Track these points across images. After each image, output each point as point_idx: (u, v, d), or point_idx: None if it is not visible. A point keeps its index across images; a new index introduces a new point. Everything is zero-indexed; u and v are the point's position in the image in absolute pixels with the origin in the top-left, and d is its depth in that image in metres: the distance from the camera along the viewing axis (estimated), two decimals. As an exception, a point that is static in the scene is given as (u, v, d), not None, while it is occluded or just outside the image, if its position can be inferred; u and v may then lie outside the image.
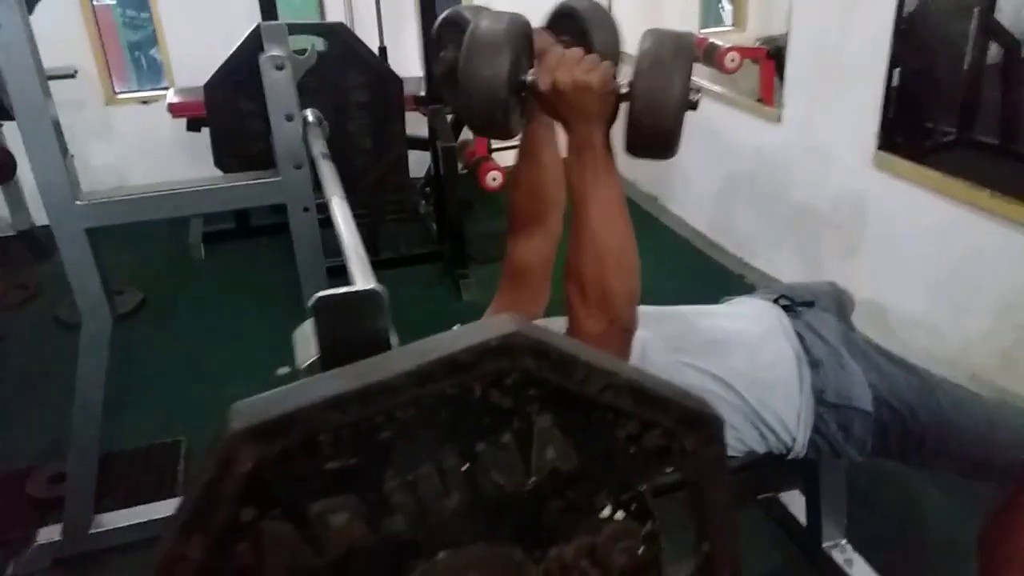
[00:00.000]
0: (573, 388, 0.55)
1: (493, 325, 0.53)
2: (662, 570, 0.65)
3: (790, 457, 1.49)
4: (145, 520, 2.06)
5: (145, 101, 4.03)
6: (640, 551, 0.63)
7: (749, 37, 4.61)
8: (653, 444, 0.59)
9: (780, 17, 3.34)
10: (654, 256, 3.67)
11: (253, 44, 1.73)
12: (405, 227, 3.78)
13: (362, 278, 1.06)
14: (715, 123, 3.48)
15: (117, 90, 4.09)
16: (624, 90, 1.08)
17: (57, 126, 1.64)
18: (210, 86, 1.80)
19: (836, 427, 1.45)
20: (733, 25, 4.84)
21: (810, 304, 1.62)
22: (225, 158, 1.86)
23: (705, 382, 1.40)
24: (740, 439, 1.44)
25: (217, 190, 1.76)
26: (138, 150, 3.96)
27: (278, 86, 1.68)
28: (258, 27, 1.72)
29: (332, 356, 0.59)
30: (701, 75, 4.00)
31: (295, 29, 1.78)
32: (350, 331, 0.59)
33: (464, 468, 0.55)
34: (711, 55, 4.08)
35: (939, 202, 2.35)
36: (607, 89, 1.07)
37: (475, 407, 0.53)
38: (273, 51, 1.68)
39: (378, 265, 3.68)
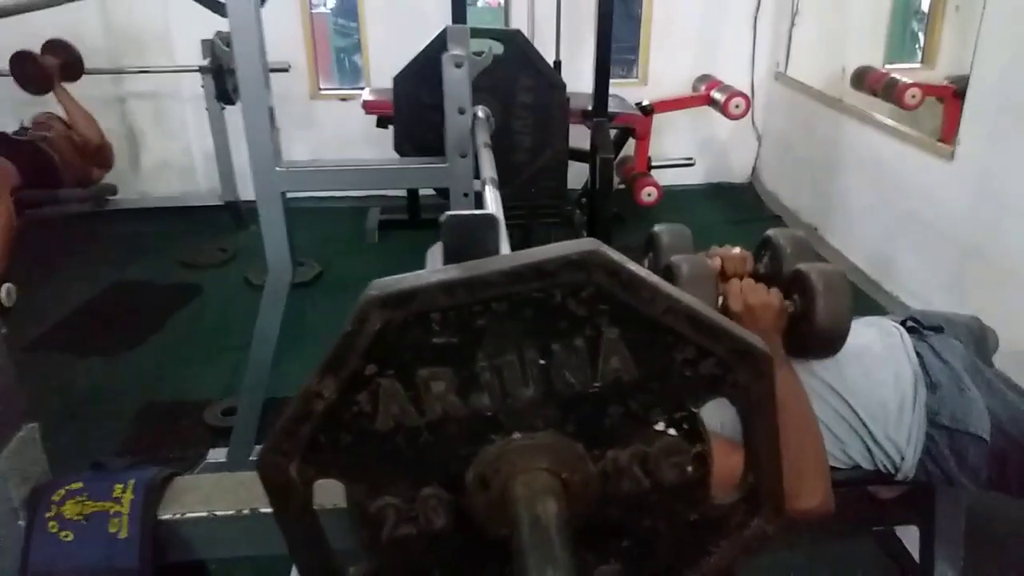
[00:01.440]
0: (639, 306, 0.66)
1: (578, 244, 0.65)
2: (709, 491, 0.74)
3: (898, 478, 1.49)
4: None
5: (344, 98, 4.46)
6: (689, 469, 0.73)
7: (939, 75, 4.43)
8: (708, 371, 0.69)
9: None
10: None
11: (439, 44, 1.95)
12: (558, 233, 3.95)
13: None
14: (881, 156, 3.40)
15: (321, 86, 4.55)
16: (791, 308, 1.36)
17: (270, 106, 1.92)
18: (399, 78, 2.04)
19: (949, 452, 1.45)
20: (923, 62, 4.67)
21: (939, 329, 1.61)
22: (403, 144, 2.09)
23: (819, 388, 1.45)
24: (845, 451, 1.47)
25: (393, 170, 2.00)
26: (334, 141, 4.38)
27: (455, 82, 1.89)
28: (445, 29, 1.93)
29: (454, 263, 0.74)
30: (882, 111, 3.91)
31: (477, 33, 1.98)
32: (469, 245, 0.74)
33: (541, 362, 0.67)
34: (891, 90, 3.98)
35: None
36: (784, 307, 1.34)
37: (555, 311, 0.66)
38: (455, 51, 1.89)
39: None
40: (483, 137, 1.87)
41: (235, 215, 4.09)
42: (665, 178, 4.60)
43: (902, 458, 1.46)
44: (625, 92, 4.33)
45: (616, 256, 0.65)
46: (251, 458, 2.31)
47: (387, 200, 4.19)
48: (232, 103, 3.64)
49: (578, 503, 0.71)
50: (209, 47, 3.47)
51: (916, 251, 3.20)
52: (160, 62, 3.94)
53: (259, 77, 1.85)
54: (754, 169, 4.87)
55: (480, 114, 2.04)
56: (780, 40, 4.47)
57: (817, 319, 1.31)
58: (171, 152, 4.36)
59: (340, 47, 5.68)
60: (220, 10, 1.82)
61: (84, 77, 3.70)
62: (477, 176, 2.07)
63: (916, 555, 1.92)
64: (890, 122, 3.41)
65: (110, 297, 3.41)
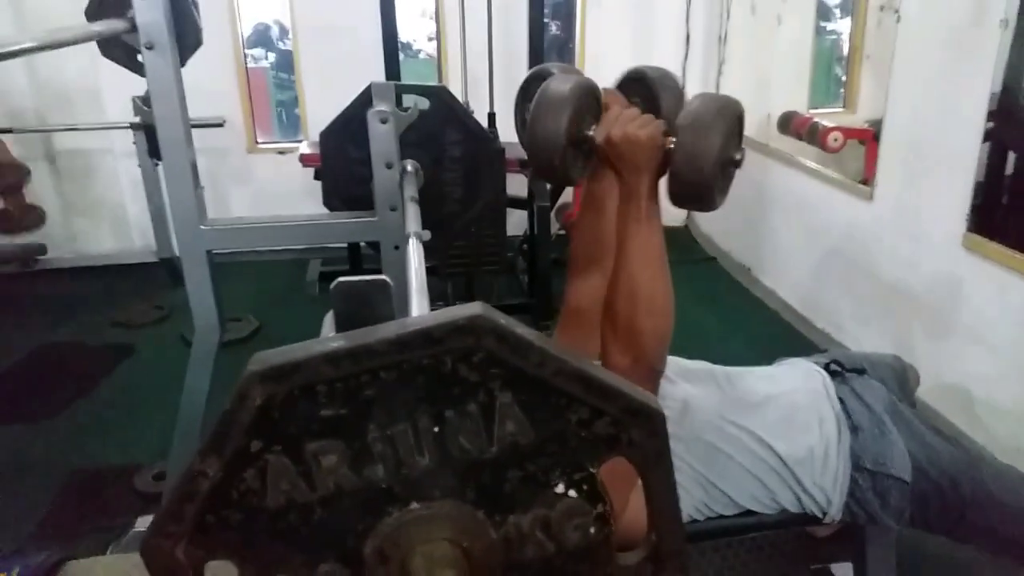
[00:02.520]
0: (529, 370, 0.66)
1: (465, 309, 0.65)
2: (613, 552, 0.74)
3: (825, 521, 1.51)
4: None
5: (281, 151, 4.45)
6: (592, 530, 0.73)
7: (859, 118, 4.61)
8: (603, 431, 0.69)
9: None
10: (741, 325, 3.68)
11: (365, 100, 1.96)
12: (500, 279, 3.96)
13: (418, 306, 1.21)
14: (807, 198, 3.51)
15: (259, 140, 4.53)
16: (670, 146, 1.19)
17: (193, 163, 1.90)
18: (325, 134, 2.04)
19: (872, 494, 1.47)
20: (844, 106, 4.85)
21: (861, 371, 1.65)
22: (332, 199, 2.08)
23: (745, 440, 1.46)
24: (775, 499, 1.48)
25: (322, 225, 1.98)
26: (272, 194, 4.35)
27: (381, 137, 1.90)
28: (370, 85, 1.95)
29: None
30: (806, 154, 4.04)
31: (402, 89, 2.00)
32: (361, 312, 0.73)
33: (435, 430, 0.67)
34: (814, 134, 4.12)
35: (1030, 287, 2.31)
36: (655, 144, 1.18)
37: (446, 377, 0.65)
38: (380, 106, 1.90)
39: None
40: (411, 191, 1.87)
41: (171, 272, 3.99)
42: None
43: (829, 502, 1.48)
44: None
45: (504, 320, 0.65)
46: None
47: (328, 251, 4.17)
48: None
49: (480, 572, 0.70)
50: (142, 102, 3.43)
51: (844, 289, 3.29)
52: (90, 119, 3.88)
53: (180, 136, 1.83)
54: (689, 213, 4.97)
55: (409, 168, 2.06)
56: (708, 88, 4.61)
57: (673, 159, 1.13)
58: (104, 209, 4.28)
59: (281, 100, 5.69)
60: (140, 70, 1.80)
61: (11, 135, 3.63)
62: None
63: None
64: (813, 165, 3.53)
65: (36, 360, 3.30)
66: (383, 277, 0.74)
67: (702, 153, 1.12)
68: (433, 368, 0.65)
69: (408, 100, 2.10)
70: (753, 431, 1.46)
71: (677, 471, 1.39)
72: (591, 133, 1.23)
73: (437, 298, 3.75)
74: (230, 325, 3.63)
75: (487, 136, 2.12)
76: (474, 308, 0.65)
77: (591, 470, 0.71)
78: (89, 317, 3.72)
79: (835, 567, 2.02)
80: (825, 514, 1.49)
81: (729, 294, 4.04)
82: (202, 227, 1.91)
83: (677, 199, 1.22)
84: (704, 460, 1.44)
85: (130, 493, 2.44)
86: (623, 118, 1.20)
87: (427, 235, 1.66)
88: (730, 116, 1.15)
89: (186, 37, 1.86)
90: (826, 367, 1.65)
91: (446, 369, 0.65)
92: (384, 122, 1.89)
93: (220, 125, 3.62)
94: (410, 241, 1.53)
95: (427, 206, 2.05)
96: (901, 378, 1.80)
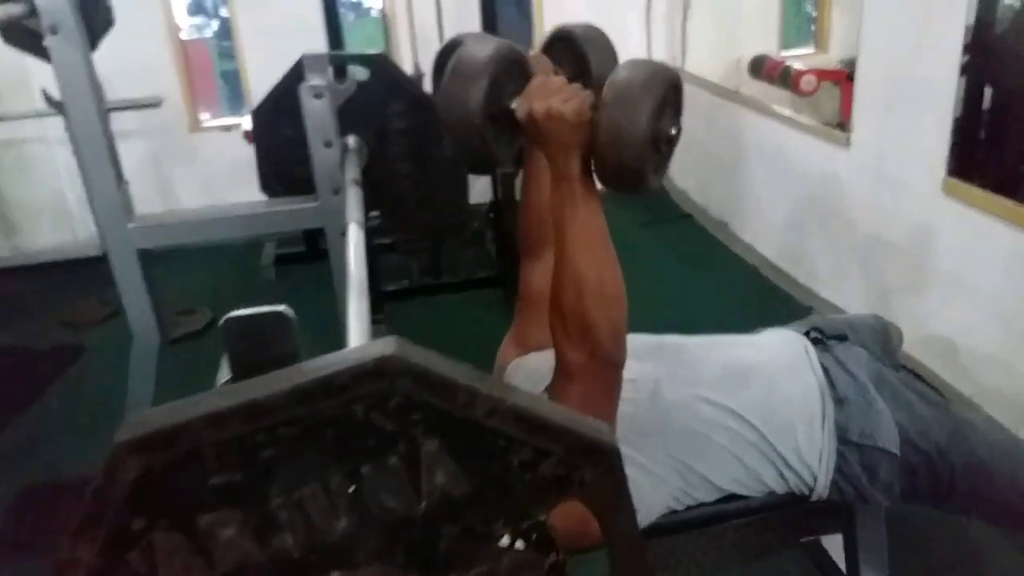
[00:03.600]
0: (457, 413, 0.55)
1: (375, 347, 0.53)
2: (573, 601, 0.64)
3: (812, 499, 1.42)
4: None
5: (227, 128, 4.24)
6: (547, 582, 0.62)
7: (832, 58, 4.49)
8: (550, 472, 0.58)
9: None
10: (721, 284, 3.59)
11: (296, 74, 1.81)
12: (467, 252, 3.83)
13: (357, 309, 1.09)
14: (785, 148, 3.40)
15: (202, 118, 4.32)
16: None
17: (114, 155, 1.75)
18: (257, 114, 1.89)
19: (860, 468, 1.38)
20: (816, 46, 4.73)
21: (843, 338, 1.55)
22: (271, 183, 1.94)
23: (722, 417, 1.35)
24: (759, 478, 1.38)
25: (258, 214, 1.84)
26: (220, 175, 4.16)
27: (317, 114, 1.75)
28: (301, 58, 1.80)
29: (242, 377, 0.61)
30: (779, 100, 3.92)
31: (336, 60, 1.85)
32: (259, 352, 0.61)
33: (351, 490, 0.56)
34: (787, 77, 4.00)
35: (1012, 232, 2.22)
36: (581, 119, 1.05)
37: (358, 429, 0.54)
38: (313, 80, 1.76)
39: (439, 289, 3.68)
40: (353, 171, 1.74)
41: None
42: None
43: (815, 479, 1.39)
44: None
45: (420, 357, 0.54)
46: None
47: (283, 232, 4.00)
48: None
49: (419, 643, 0.60)
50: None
51: (824, 241, 3.21)
52: (21, 107, 3.66)
53: (95, 127, 1.68)
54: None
55: (351, 144, 1.92)
56: (675, 34, 4.46)
57: (596, 136, 1.01)
58: (41, 202, 4.07)
59: (228, 72, 5.42)
60: (45, 55, 1.64)
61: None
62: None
63: (842, 564, 1.87)
64: (787, 112, 3.41)
65: None
66: (280, 309, 0.62)
67: (628, 132, 0.99)
68: (341, 419, 0.54)
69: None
70: (731, 408, 1.36)
71: (651, 459, 1.29)
72: (513, 107, 1.08)
73: (401, 276, 3.62)
74: (182, 318, 3.48)
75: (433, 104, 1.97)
76: (385, 346, 0.54)
77: (540, 517, 0.60)
78: (33, 318, 3.54)
79: (825, 539, 1.95)
80: (812, 491, 1.41)
81: (707, 252, 3.94)
82: (129, 225, 1.77)
83: (603, 180, 1.10)
84: (679, 444, 1.33)
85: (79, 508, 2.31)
86: (545, 89, 1.06)
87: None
88: (661, 87, 1.02)
89: (95, 17, 1.70)
90: (806, 334, 1.55)
91: (357, 419, 0.54)
92: (318, 97, 1.74)
93: (156, 105, 3.43)
94: (350, 229, 1.40)
95: (375, 185, 1.92)
96: (884, 339, 1.71)
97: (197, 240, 1.84)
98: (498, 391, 0.55)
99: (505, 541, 0.60)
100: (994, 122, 2.39)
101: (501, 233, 3.52)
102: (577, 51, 1.25)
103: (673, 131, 1.05)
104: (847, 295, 3.06)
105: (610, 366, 1.13)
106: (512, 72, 1.11)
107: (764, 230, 3.69)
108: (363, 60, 1.89)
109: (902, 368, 1.76)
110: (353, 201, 1.57)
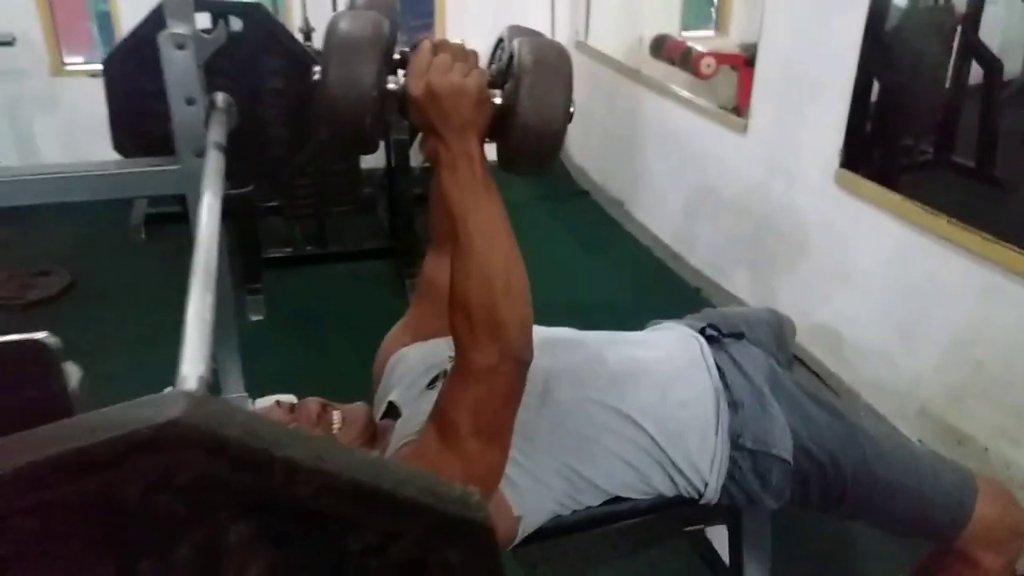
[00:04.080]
0: (275, 491, 0.42)
1: (159, 406, 0.39)
2: None
3: (702, 503, 1.37)
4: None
5: (94, 74, 3.85)
6: None
7: (732, 42, 4.49)
8: (403, 557, 0.46)
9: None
10: (614, 263, 3.55)
11: (157, 20, 1.58)
12: (357, 220, 3.63)
13: (198, 309, 0.93)
14: (679, 129, 3.36)
15: (67, 61, 3.91)
16: (499, 100, 0.97)
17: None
18: (110, 62, 1.66)
19: (752, 475, 1.33)
20: (716, 29, 4.72)
21: (739, 336, 1.50)
22: (124, 142, 1.71)
23: (612, 421, 1.28)
24: (648, 482, 1.32)
25: (108, 175, 1.62)
26: (86, 126, 3.76)
27: (178, 66, 1.54)
28: (161, 2, 1.57)
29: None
30: (678, 81, 3.88)
31: (206, 6, 1.64)
32: (8, 399, 0.46)
33: (123, 592, 0.42)
34: (687, 59, 3.97)
35: (898, 226, 2.24)
36: (484, 95, 0.96)
37: (135, 515, 0.40)
38: (175, 28, 1.54)
39: (325, 258, 3.47)
40: (216, 133, 1.53)
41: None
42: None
43: (706, 484, 1.34)
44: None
45: (218, 421, 0.40)
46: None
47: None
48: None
49: None
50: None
51: (717, 226, 3.20)
52: None
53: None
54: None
55: (219, 103, 1.71)
56: (579, 8, 4.35)
57: (519, 107, 0.93)
58: None
59: (102, 11, 4.95)
60: None
61: None
62: (232, 177, 1.75)
63: (726, 557, 1.85)
64: (685, 94, 3.37)
65: None
66: (38, 337, 0.46)
67: (553, 104, 0.94)
68: (109, 502, 0.39)
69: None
70: (621, 410, 1.28)
71: (538, 464, 1.19)
72: (392, 86, 0.96)
73: (284, 244, 3.39)
74: (37, 280, 3.16)
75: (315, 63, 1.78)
76: (172, 405, 0.39)
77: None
78: None
79: (709, 529, 1.92)
80: (702, 496, 1.35)
81: (602, 230, 3.88)
82: (-54, 182, 1.52)
83: (515, 162, 1.01)
84: (567, 447, 1.25)
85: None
86: (439, 64, 0.95)
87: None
88: (568, 57, 0.98)
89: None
90: (702, 331, 1.48)
91: (132, 503, 0.40)
92: (181, 47, 1.53)
93: (9, 43, 3.06)
94: (204, 201, 1.22)
95: (244, 150, 1.72)
96: (779, 334, 1.68)
97: (26, 203, 1.59)
98: (330, 462, 0.42)
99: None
100: (883, 116, 2.40)
101: (394, 201, 3.35)
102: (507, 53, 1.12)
103: (572, 110, 0.97)
104: (737, 281, 3.07)
105: (520, 367, 1.03)
106: (388, 49, 1.00)
107: (659, 211, 3.67)
108: (236, 9, 1.67)
109: (795, 362, 1.74)
110: (212, 167, 1.37)
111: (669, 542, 2.04)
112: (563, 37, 4.43)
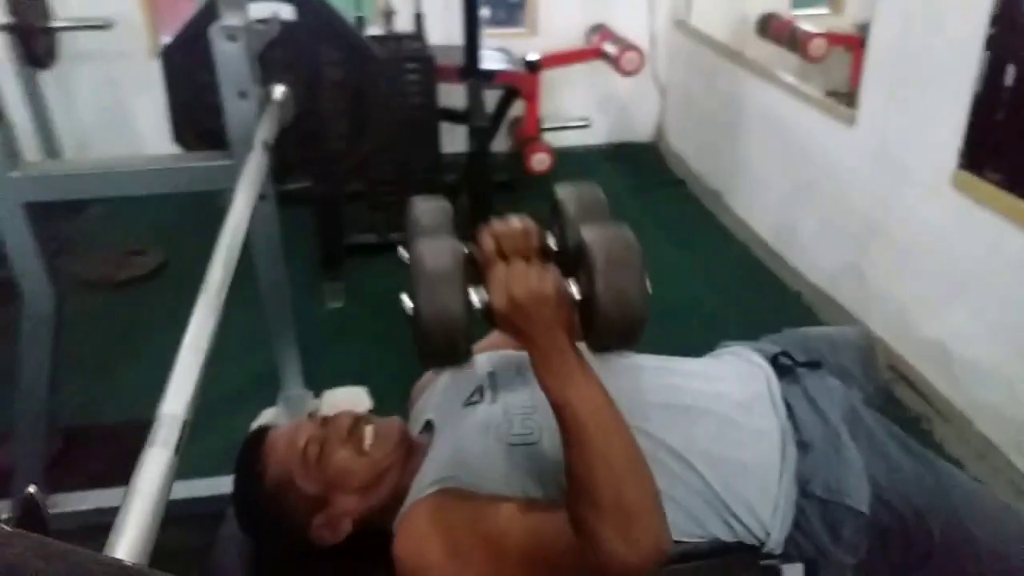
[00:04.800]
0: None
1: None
2: None
3: (764, 551, 1.22)
4: (96, 507, 1.95)
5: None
6: None
7: (848, 21, 4.16)
8: None
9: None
10: (705, 261, 3.35)
11: (209, 11, 1.55)
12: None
13: (201, 322, 0.87)
14: (785, 118, 3.12)
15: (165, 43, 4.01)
16: (577, 295, 1.00)
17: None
18: (167, 53, 1.64)
19: (822, 525, 1.18)
20: (830, 6, 4.39)
21: (816, 365, 1.33)
22: (184, 134, 1.69)
23: (661, 455, 1.14)
24: (700, 525, 1.18)
25: (163, 171, 1.61)
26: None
27: (230, 59, 1.50)
28: (214, -8, 1.53)
29: None
30: (787, 64, 3.62)
31: (259, -6, 1.59)
32: None
33: None
34: (795, 40, 3.70)
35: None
36: (564, 296, 0.97)
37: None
38: (227, 20, 1.50)
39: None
40: (265, 129, 1.48)
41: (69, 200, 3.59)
42: (565, 139, 4.26)
43: (767, 534, 1.19)
44: (513, 44, 3.93)
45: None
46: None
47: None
48: (45, 67, 3.14)
49: None
50: (11, 3, 2.95)
51: (818, 223, 2.95)
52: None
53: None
54: (659, 127, 4.55)
55: (278, 96, 1.66)
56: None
57: (599, 304, 0.96)
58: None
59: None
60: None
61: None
62: (282, 170, 1.71)
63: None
64: (790, 79, 3.12)
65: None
66: None
67: (630, 299, 0.97)
68: None
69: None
70: (671, 445, 1.15)
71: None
72: (477, 303, 0.98)
73: (366, 230, 3.37)
74: (131, 259, 3.26)
75: (374, 55, 1.70)
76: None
77: None
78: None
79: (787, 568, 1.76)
80: (763, 545, 1.21)
81: (696, 223, 3.68)
82: (11, 174, 1.53)
83: (601, 347, 1.03)
84: None
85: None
86: (515, 275, 0.97)
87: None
88: (637, 246, 1.02)
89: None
90: (774, 360, 1.33)
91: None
92: (232, 39, 1.49)
93: (105, 27, 3.15)
94: (233, 206, 1.17)
95: (302, 143, 1.67)
96: (867, 359, 1.50)
97: (90, 195, 1.60)
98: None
99: None
100: (1018, 111, 2.11)
101: (476, 188, 3.27)
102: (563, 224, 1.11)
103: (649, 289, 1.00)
104: (840, 285, 2.83)
105: (660, 554, 0.94)
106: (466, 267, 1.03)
107: (758, 205, 3.43)
108: (290, -2, 1.62)
109: (884, 391, 1.55)
110: (252, 166, 1.32)
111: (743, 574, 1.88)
112: (663, 16, 4.22)
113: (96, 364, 2.62)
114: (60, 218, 3.54)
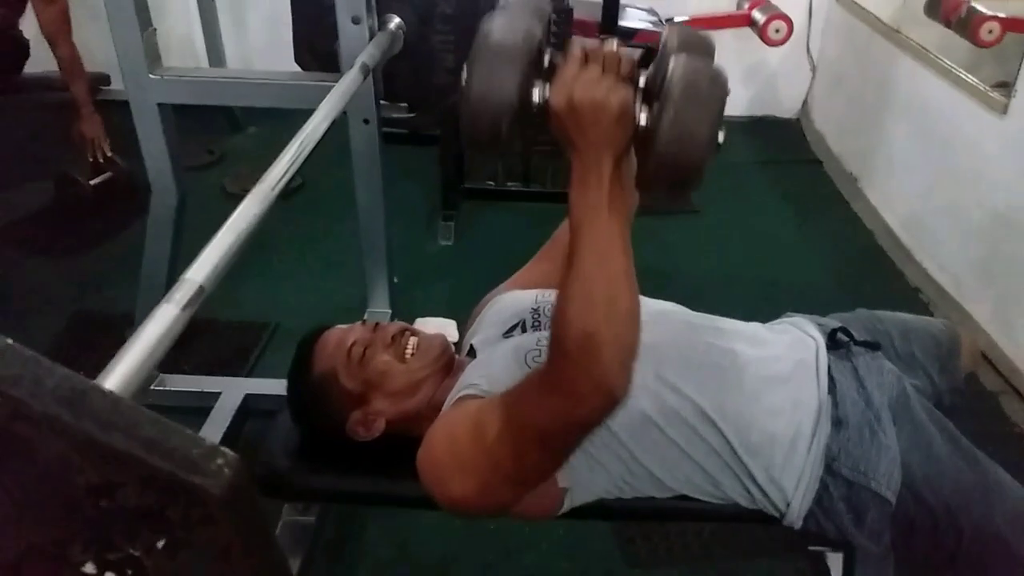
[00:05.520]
0: (-25, 406, 0.40)
1: None
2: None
3: (785, 524, 1.21)
4: (199, 390, 2.16)
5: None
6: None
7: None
8: (134, 504, 0.44)
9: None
10: (826, 244, 3.20)
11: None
12: (558, 161, 3.58)
13: (246, 207, 0.96)
14: (929, 101, 2.91)
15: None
16: (644, 122, 0.91)
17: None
18: (293, -24, 1.74)
19: (844, 506, 1.15)
20: (1018, -10, 3.99)
21: (874, 347, 1.28)
22: (304, 54, 1.80)
23: (686, 411, 1.15)
24: (717, 486, 1.19)
25: (281, 85, 1.72)
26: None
27: (347, -16, 1.59)
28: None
29: None
30: (951, 48, 3.34)
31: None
32: None
33: None
34: (966, 22, 3.39)
35: None
36: (627, 115, 0.89)
37: None
38: (347, -52, 1.58)
39: (524, 196, 3.44)
40: (367, 54, 1.56)
41: (229, 115, 3.87)
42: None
43: (787, 504, 1.18)
44: (664, 4, 3.84)
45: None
46: (152, 387, 2.17)
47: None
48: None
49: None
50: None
51: (953, 219, 2.75)
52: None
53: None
54: (804, 104, 4.34)
55: (392, 26, 1.74)
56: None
57: (659, 134, 0.87)
58: (171, 42, 4.09)
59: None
60: None
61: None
62: (389, 98, 1.79)
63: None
64: (946, 62, 2.89)
65: (70, 195, 3.24)
66: None
67: (695, 139, 0.87)
68: None
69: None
70: (698, 403, 1.15)
71: (595, 438, 1.11)
72: (536, 99, 0.92)
73: (488, 178, 3.44)
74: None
75: (489, -5, 1.74)
76: None
77: (132, 551, 0.46)
78: (138, 155, 3.65)
79: (830, 556, 1.72)
80: (783, 516, 1.19)
81: (825, 205, 3.51)
82: (151, 76, 1.70)
83: (647, 186, 0.95)
84: (627, 429, 1.14)
85: (119, 345, 2.39)
86: (585, 78, 0.89)
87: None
88: (724, 88, 0.90)
89: None
90: (831, 334, 1.29)
91: None
92: (350, -35, 1.57)
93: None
94: (313, 117, 1.25)
95: (410, 74, 1.74)
96: (947, 354, 1.42)
97: (216, 102, 1.74)
98: (28, 387, 0.40)
99: (91, 569, 0.47)
100: None
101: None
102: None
103: (721, 139, 0.90)
104: (967, 291, 2.63)
105: (609, 402, 0.92)
106: (537, 57, 0.96)
107: (893, 193, 3.23)
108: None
109: (961, 393, 1.47)
110: (345, 84, 1.40)
111: (788, 555, 1.85)
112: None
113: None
114: (221, 133, 3.83)
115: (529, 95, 0.92)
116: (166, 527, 0.44)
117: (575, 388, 0.91)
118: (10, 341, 0.43)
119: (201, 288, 0.79)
